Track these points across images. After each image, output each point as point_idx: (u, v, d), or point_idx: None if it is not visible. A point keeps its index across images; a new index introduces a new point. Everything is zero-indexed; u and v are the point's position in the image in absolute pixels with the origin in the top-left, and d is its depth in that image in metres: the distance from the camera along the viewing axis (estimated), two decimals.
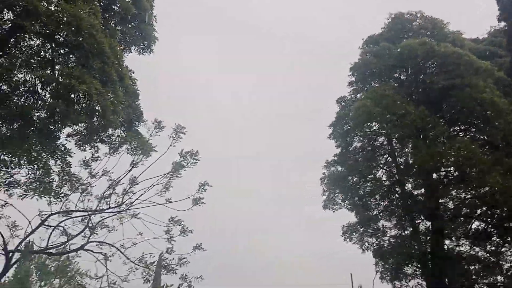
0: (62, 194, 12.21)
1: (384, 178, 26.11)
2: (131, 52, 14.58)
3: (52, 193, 11.79)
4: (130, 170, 13.55)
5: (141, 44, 14.49)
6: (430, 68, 25.05)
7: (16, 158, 11.21)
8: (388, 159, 26.53)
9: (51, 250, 13.00)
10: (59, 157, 11.82)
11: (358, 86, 27.74)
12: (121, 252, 13.04)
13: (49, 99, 11.54)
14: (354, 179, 25.65)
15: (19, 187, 11.51)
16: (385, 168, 26.29)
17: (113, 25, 13.68)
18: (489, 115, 20.94)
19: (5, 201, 12.01)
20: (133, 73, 13.83)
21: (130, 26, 13.99)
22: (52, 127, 11.90)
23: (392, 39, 26.40)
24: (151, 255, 13.30)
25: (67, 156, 11.95)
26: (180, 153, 13.81)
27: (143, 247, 13.21)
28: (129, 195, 13.31)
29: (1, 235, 11.93)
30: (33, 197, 11.43)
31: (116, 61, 12.18)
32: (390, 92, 23.08)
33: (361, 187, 25.94)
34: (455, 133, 23.81)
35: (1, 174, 11.38)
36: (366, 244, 25.44)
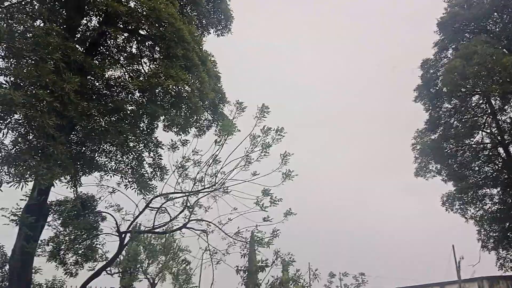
0: (152, 186, 12.90)
1: (486, 141, 23.92)
2: (210, 33, 14.87)
3: (145, 187, 12.54)
4: (218, 151, 13.94)
5: (219, 25, 14.69)
6: None
7: (114, 149, 12.15)
8: (487, 119, 24.14)
9: (156, 230, 14.06)
10: (152, 150, 12.50)
11: (445, 44, 25.46)
12: (219, 228, 13.63)
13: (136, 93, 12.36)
14: (450, 146, 23.83)
15: (121, 176, 12.47)
16: (485, 130, 24.00)
17: (189, 11, 13.97)
18: None
19: (113, 188, 13.15)
20: (213, 56, 14.08)
21: (205, 9, 14.19)
22: (145, 120, 12.65)
23: None
24: (246, 229, 13.70)
25: (159, 148, 12.56)
26: (262, 129, 13.87)
27: (239, 222, 13.63)
28: (220, 175, 13.75)
29: (114, 218, 13.14)
30: (134, 188, 12.32)
31: (196, 47, 12.51)
32: (481, 47, 20.73)
33: (458, 154, 24.04)
34: None
35: (109, 163, 12.41)
36: (469, 212, 23.76)
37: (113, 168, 12.39)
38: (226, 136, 13.66)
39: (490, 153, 23.52)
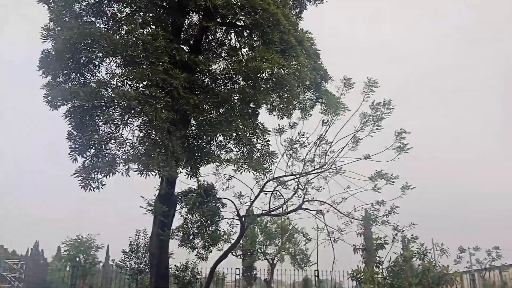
0: (267, 169, 13.26)
1: None
2: (306, 10, 14.61)
3: (259, 168, 12.92)
4: (326, 131, 13.72)
5: None
6: None
7: (227, 138, 12.70)
8: None
9: (273, 213, 14.49)
10: (260, 136, 12.77)
11: None
12: (333, 207, 13.51)
13: (241, 83, 12.71)
14: None
15: (235, 164, 13.05)
16: None
17: None
18: None
19: (230, 175, 13.87)
20: (310, 33, 13.80)
21: None
22: (249, 107, 12.98)
23: None
24: (362, 208, 13.36)
25: (266, 134, 12.79)
26: (372, 105, 13.21)
27: (353, 201, 13.34)
28: (329, 155, 13.55)
29: (233, 204, 13.91)
30: (248, 170, 12.79)
31: (292, 28, 12.39)
32: None
33: None
34: None
35: (222, 153, 13.08)
36: None
37: (227, 158, 12.98)
38: (333, 114, 13.38)
39: None
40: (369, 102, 13.07)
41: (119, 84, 10.58)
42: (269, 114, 13.61)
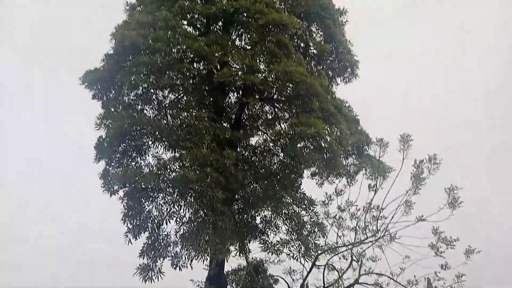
0: (315, 246, 12.29)
1: None
2: (338, 84, 14.99)
3: (308, 248, 12.07)
4: (374, 195, 13.39)
5: (345, 73, 14.81)
6: None
7: (273, 214, 12.44)
8: None
9: None
10: (306, 207, 12.48)
11: None
12: (393, 279, 12.68)
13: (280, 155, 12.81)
14: None
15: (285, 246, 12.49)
16: None
17: (314, 67, 14.42)
18: None
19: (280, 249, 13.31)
20: (347, 102, 14.04)
21: (329, 61, 14.50)
22: (291, 178, 12.86)
23: None
24: (425, 278, 12.45)
25: (312, 206, 12.48)
26: (414, 164, 12.97)
27: (413, 270, 12.50)
28: (381, 220, 13.04)
29: (285, 281, 13.31)
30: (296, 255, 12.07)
31: (329, 97, 12.68)
32: None
33: None
34: None
35: (269, 229, 12.74)
36: None
37: (275, 241, 12.53)
38: (379, 179, 13.10)
39: None
40: (411, 160, 12.92)
41: (176, 167, 10.83)
42: (315, 182, 13.34)
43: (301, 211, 12.21)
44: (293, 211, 11.99)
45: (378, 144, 13.61)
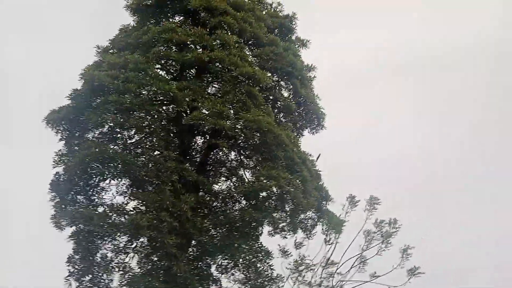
0: None
1: None
2: (303, 136, 15.49)
3: None
4: (329, 251, 13.55)
5: (312, 125, 15.36)
6: None
7: (232, 262, 12.24)
8: None
9: None
10: (262, 259, 12.35)
11: None
12: None
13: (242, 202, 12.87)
14: None
15: None
16: None
17: (282, 118, 14.92)
18: None
19: None
20: (311, 155, 14.43)
21: (297, 113, 15.06)
22: (251, 228, 12.85)
23: None
24: None
25: (269, 258, 12.38)
26: (375, 223, 13.35)
27: None
28: (336, 277, 13.10)
29: None
30: None
31: (295, 148, 13.08)
32: None
33: None
34: None
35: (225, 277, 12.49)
36: None
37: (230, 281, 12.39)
38: (336, 234, 13.29)
39: None
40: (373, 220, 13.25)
41: (129, 210, 10.65)
42: (272, 236, 13.34)
43: (257, 262, 12.07)
44: (250, 260, 11.82)
45: (348, 200, 13.95)
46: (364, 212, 13.36)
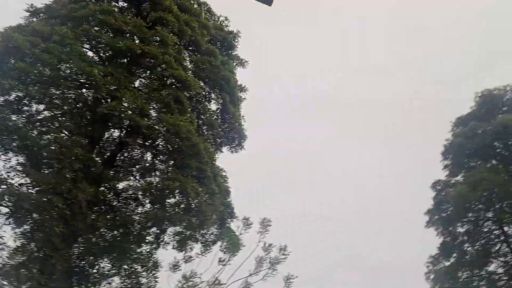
0: None
1: (500, 272, 22.63)
2: (222, 152, 15.46)
3: None
4: (221, 271, 13.39)
5: (233, 143, 15.38)
6: None
7: (116, 267, 11.58)
8: (501, 247, 23.22)
9: None
10: (149, 269, 11.90)
11: (454, 169, 25.97)
12: None
13: (148, 205, 12.41)
14: (465, 274, 22.59)
15: None
16: (499, 258, 22.90)
17: (205, 131, 14.79)
18: None
19: None
20: (224, 171, 14.43)
21: (220, 129, 15.01)
22: (150, 237, 12.37)
23: (485, 116, 25.04)
24: None
25: (156, 269, 11.90)
26: (264, 247, 13.53)
27: None
28: None
29: None
30: None
31: (209, 161, 12.94)
32: (488, 175, 21.14)
33: (474, 283, 22.62)
34: None
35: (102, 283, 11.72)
36: None
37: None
38: (232, 254, 13.24)
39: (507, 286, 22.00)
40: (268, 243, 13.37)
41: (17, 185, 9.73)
42: (165, 249, 12.91)
43: (142, 272, 11.52)
44: (134, 269, 11.23)
45: (242, 221, 13.95)
46: (257, 234, 13.41)
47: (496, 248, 23.09)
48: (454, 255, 23.59)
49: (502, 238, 23.06)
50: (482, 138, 23.68)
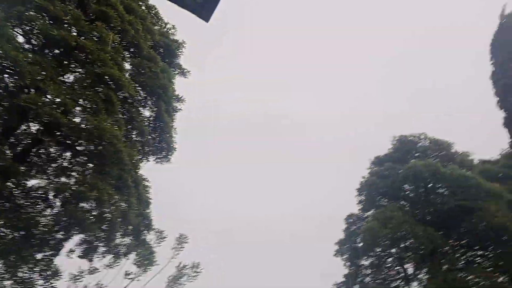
0: None
1: None
2: (149, 161, 14.92)
3: None
4: (127, 285, 12.76)
5: (160, 154, 14.91)
6: (439, 189, 25.17)
7: (10, 273, 10.53)
8: (400, 283, 25.02)
9: None
10: (48, 277, 11.01)
11: (367, 205, 27.71)
12: None
13: (59, 207, 11.53)
14: None
15: None
16: None
17: (134, 137, 14.23)
18: (504, 240, 20.34)
19: None
20: (147, 181, 13.92)
21: (150, 137, 14.52)
22: (58, 236, 11.53)
23: (399, 159, 27.18)
24: None
25: (55, 278, 11.08)
26: (178, 266, 13.25)
27: None
28: None
29: None
30: None
31: (133, 169, 12.41)
32: (398, 213, 22.88)
33: None
34: (471, 258, 22.81)
35: None
36: None
37: None
38: (145, 268, 12.69)
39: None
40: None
41: None
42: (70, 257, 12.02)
43: (39, 279, 10.57)
44: (29, 276, 10.28)
45: (156, 234, 13.52)
46: (172, 250, 13.08)
47: (395, 284, 24.86)
48: (357, 286, 24.94)
49: (402, 275, 24.89)
50: (394, 179, 25.61)
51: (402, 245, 22.40)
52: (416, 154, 28.05)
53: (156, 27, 14.95)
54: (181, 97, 15.41)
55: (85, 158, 12.54)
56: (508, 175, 24.81)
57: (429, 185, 24.96)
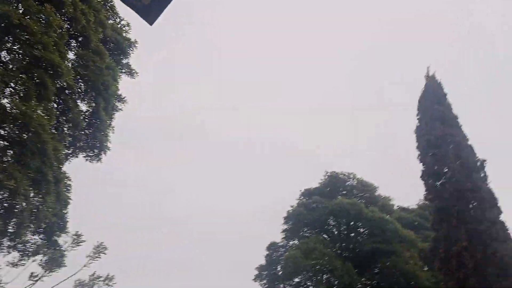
0: None
1: None
2: (77, 157, 14.06)
3: None
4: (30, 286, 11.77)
5: (91, 152, 14.12)
6: (360, 228, 26.44)
7: None
8: None
9: None
10: None
11: (291, 234, 28.28)
12: None
13: None
14: None
15: None
16: None
17: (65, 129, 13.40)
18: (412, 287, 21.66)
19: None
20: (70, 179, 13.05)
21: (83, 133, 13.75)
22: None
23: (328, 194, 28.24)
24: None
25: None
26: (91, 275, 12.53)
27: None
28: None
29: None
30: None
31: (56, 164, 11.61)
32: (320, 246, 23.61)
33: None
34: None
35: None
36: None
37: None
38: (50, 270, 11.76)
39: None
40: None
41: None
42: None
43: None
44: None
45: (73, 237, 12.70)
46: (87, 258, 12.33)
47: None
48: None
49: None
50: (320, 213, 26.50)
51: (319, 277, 22.99)
52: (344, 192, 29.34)
53: (110, 21, 14.44)
54: (123, 97, 14.87)
55: (6, 143, 11.59)
56: (422, 225, 26.66)
57: (351, 223, 26.16)
